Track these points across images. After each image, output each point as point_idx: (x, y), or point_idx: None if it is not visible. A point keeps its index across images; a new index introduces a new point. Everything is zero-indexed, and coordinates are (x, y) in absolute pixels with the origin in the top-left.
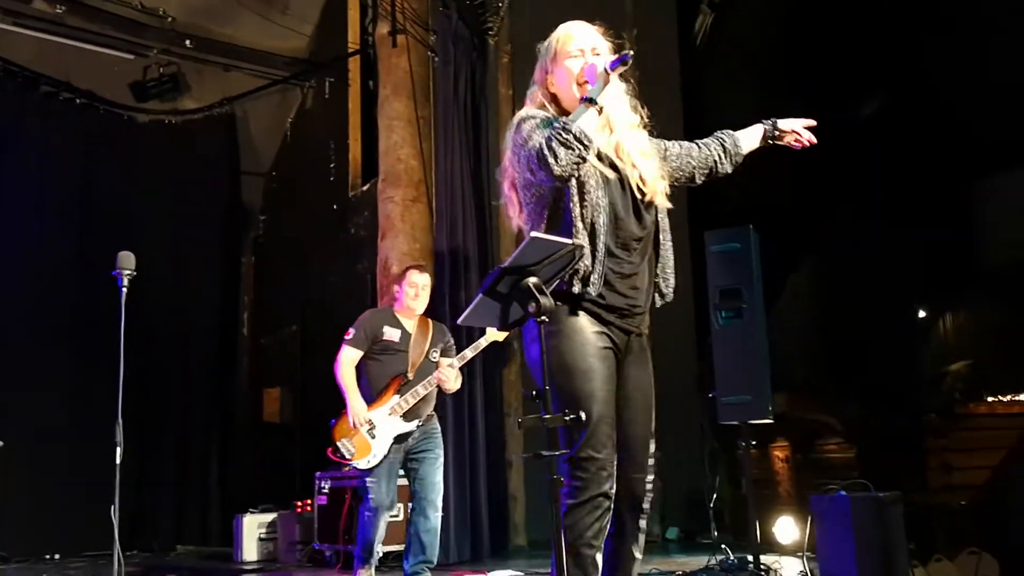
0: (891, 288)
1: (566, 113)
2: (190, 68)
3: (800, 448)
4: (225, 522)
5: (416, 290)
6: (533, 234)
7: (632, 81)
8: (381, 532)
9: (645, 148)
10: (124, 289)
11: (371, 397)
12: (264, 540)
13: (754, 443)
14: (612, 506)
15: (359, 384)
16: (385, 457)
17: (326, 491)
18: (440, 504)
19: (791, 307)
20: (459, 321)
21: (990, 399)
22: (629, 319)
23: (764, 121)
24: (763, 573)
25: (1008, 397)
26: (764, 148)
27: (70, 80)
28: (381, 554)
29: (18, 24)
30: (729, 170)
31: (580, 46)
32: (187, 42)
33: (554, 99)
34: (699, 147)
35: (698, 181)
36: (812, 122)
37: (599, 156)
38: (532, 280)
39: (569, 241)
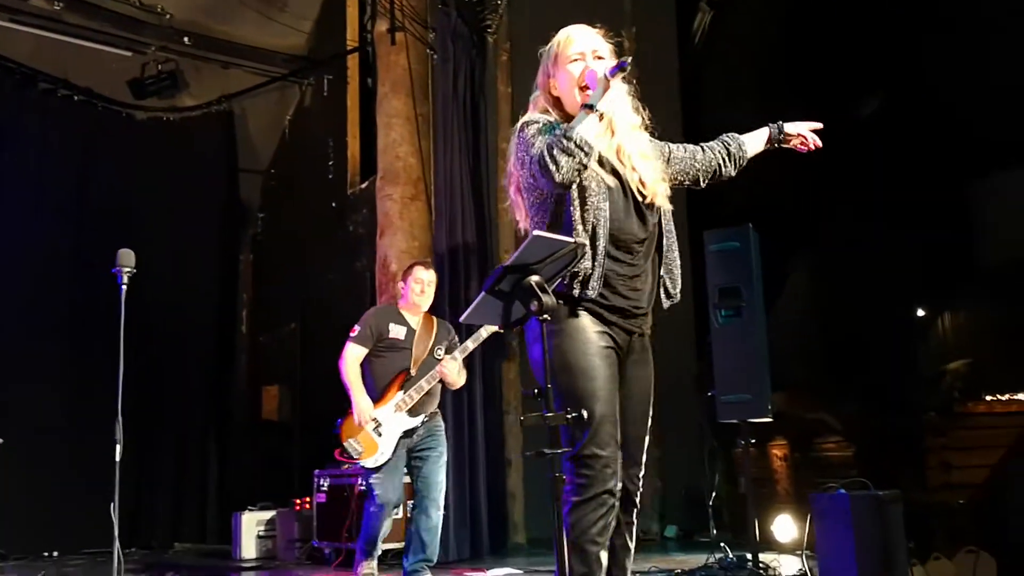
0: (890, 287)
1: (569, 116)
2: (188, 65)
3: (799, 447)
4: (224, 520)
5: (422, 286)
6: (535, 232)
7: (634, 82)
8: (386, 528)
9: (645, 150)
10: (124, 287)
11: (375, 394)
12: (263, 538)
13: (753, 442)
14: (617, 504)
15: (363, 381)
16: (393, 454)
17: (325, 489)
18: (442, 503)
19: (790, 306)
20: (461, 319)
21: (989, 398)
22: (631, 319)
23: (770, 124)
24: (762, 571)
25: (1007, 396)
26: (769, 151)
27: (68, 77)
28: (381, 551)
29: (16, 20)
30: (733, 174)
31: (581, 49)
32: (185, 39)
33: (557, 103)
34: (703, 150)
35: (702, 184)
36: (818, 125)
37: (600, 160)
38: (534, 279)
39: (571, 239)
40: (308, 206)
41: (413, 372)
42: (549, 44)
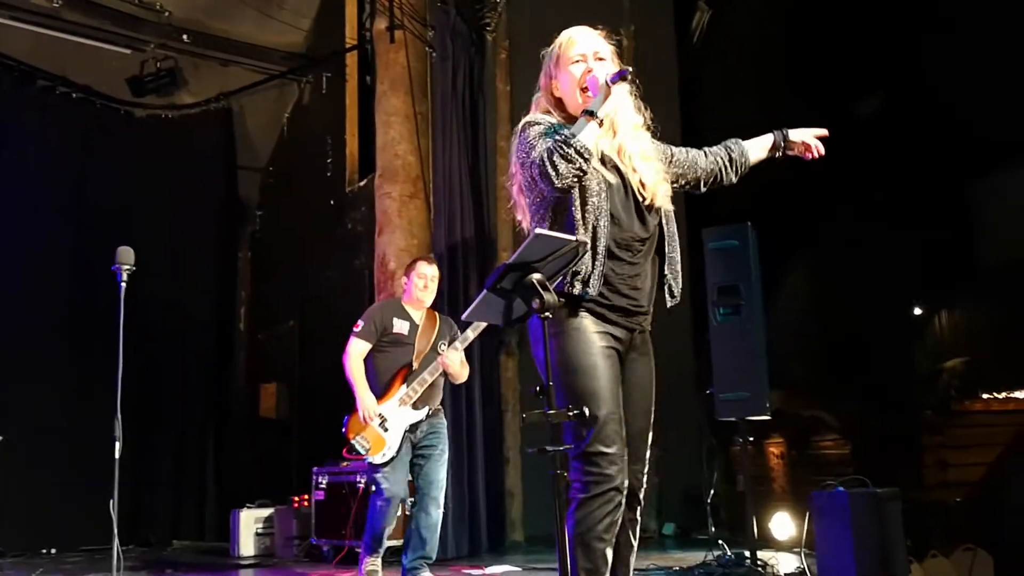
0: (889, 286)
1: (571, 117)
2: (187, 63)
3: (797, 444)
4: (222, 517)
5: (425, 281)
6: (537, 230)
7: (636, 82)
8: (392, 523)
9: (646, 150)
10: (123, 285)
11: (379, 389)
12: (261, 535)
13: (751, 439)
14: (623, 501)
15: (366, 376)
16: (398, 449)
17: (323, 486)
18: (442, 500)
19: (790, 305)
20: (464, 317)
21: (986, 396)
22: (632, 318)
23: (775, 131)
24: (760, 569)
25: (1004, 394)
26: (772, 158)
27: (67, 74)
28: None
29: (14, 18)
30: (734, 180)
31: (582, 51)
32: (184, 37)
33: (559, 104)
34: (705, 155)
35: (702, 189)
36: (823, 132)
37: (602, 158)
38: (536, 276)
39: (573, 237)
40: (307, 204)
41: (416, 367)
42: (551, 45)
